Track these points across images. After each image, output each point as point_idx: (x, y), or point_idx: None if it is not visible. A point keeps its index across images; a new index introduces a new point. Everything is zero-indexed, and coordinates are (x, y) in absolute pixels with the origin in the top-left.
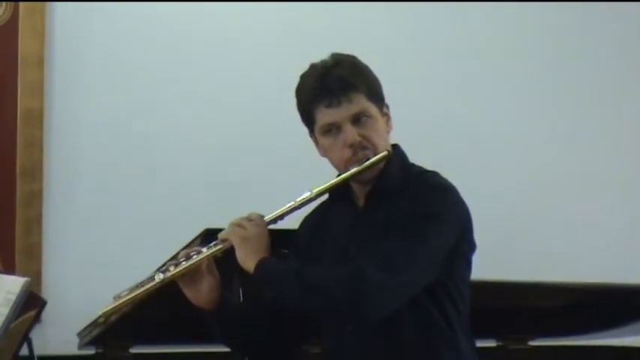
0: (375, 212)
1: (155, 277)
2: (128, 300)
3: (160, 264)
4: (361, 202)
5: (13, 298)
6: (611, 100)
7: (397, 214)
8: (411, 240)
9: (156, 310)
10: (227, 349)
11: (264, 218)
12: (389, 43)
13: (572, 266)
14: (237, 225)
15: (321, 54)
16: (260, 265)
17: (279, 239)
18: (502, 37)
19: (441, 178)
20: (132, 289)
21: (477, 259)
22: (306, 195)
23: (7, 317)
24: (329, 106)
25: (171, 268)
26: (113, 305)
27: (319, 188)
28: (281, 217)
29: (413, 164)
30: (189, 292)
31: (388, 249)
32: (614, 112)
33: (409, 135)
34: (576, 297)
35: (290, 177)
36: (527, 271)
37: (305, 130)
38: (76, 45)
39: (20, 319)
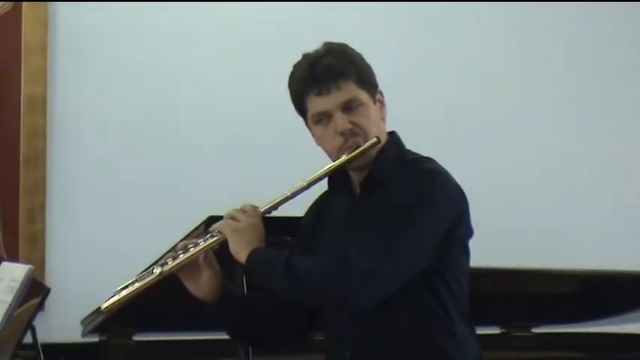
0: (369, 200)
1: (154, 270)
2: (127, 295)
3: (163, 252)
4: (358, 190)
5: (17, 285)
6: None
7: (386, 202)
8: (399, 226)
9: (159, 298)
10: None
11: (258, 209)
12: (393, 44)
13: (575, 253)
14: (231, 217)
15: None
16: (251, 256)
17: (282, 227)
18: (506, 34)
19: (434, 163)
20: (131, 283)
21: (480, 247)
22: (299, 185)
23: (10, 305)
24: (319, 94)
25: (169, 262)
26: (112, 301)
27: (311, 177)
28: (275, 207)
29: (409, 151)
30: (189, 285)
31: (375, 236)
32: (615, 104)
33: (414, 130)
34: (579, 284)
35: (293, 173)
36: (531, 257)
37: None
38: (79, 32)
39: (24, 307)
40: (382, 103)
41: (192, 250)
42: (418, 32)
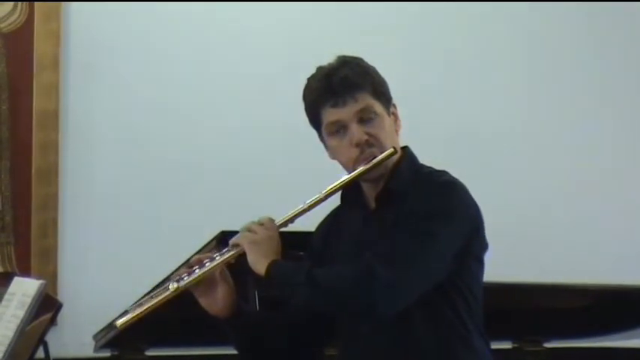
0: (384, 214)
1: (169, 286)
2: (143, 311)
3: (175, 266)
4: (372, 204)
5: (29, 300)
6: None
7: (405, 214)
8: (419, 237)
9: (171, 313)
10: None
11: (275, 222)
12: (406, 53)
13: (588, 267)
14: (248, 229)
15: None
16: (271, 268)
17: (293, 242)
18: (517, 40)
19: (450, 176)
20: (146, 300)
21: (493, 261)
22: (316, 197)
23: (22, 320)
24: (334, 105)
25: (185, 277)
26: (127, 318)
27: (327, 189)
28: (291, 220)
29: (423, 165)
30: (204, 301)
31: (396, 246)
32: (620, 114)
33: (425, 139)
34: (592, 298)
35: (310, 185)
36: (543, 272)
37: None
38: (91, 47)
39: (36, 322)
40: (396, 116)
41: (209, 265)
42: (431, 45)
